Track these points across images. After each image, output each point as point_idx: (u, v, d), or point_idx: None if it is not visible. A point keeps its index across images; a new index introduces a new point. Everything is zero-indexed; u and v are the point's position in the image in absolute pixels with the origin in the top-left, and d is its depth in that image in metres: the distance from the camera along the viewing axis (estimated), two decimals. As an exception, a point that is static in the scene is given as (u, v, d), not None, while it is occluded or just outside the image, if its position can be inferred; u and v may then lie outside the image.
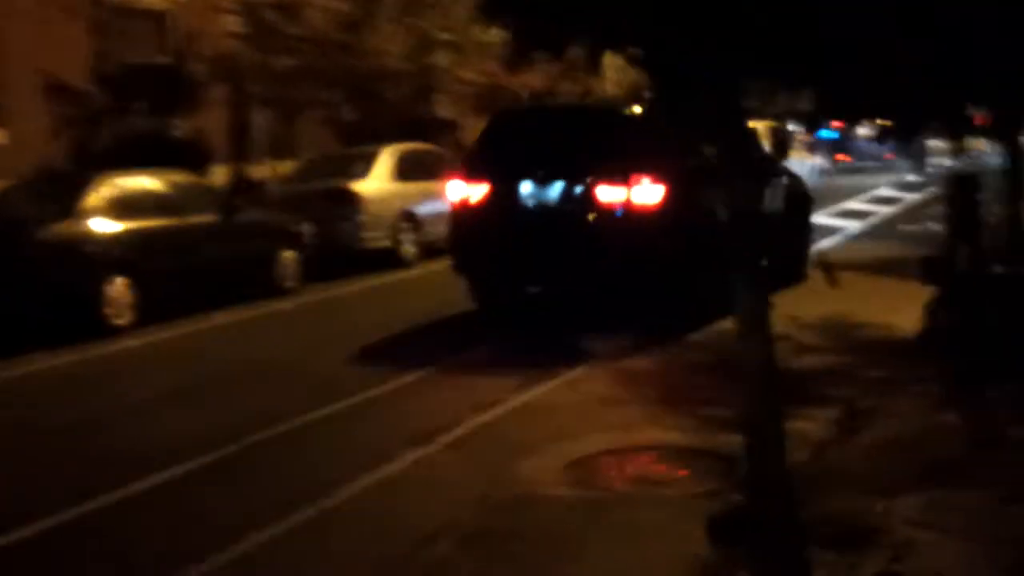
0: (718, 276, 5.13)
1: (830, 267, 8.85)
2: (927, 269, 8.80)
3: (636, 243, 10.80)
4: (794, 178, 14.43)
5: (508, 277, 11.93)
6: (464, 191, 11.84)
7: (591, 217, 11.15)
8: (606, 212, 11.10)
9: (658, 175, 11.05)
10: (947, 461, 6.13)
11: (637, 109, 12.36)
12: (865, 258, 14.80)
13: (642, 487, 6.47)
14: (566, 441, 7.31)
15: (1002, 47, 5.32)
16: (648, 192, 11.04)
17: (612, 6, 4.85)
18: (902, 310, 9.69)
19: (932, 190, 21.37)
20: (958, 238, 8.17)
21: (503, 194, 11.54)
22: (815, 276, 11.87)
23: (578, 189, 11.23)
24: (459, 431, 7.78)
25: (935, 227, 10.72)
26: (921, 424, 6.90)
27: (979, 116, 9.21)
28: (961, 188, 8.39)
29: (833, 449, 6.72)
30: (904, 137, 5.67)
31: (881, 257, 14.83)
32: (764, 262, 4.75)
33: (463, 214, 11.89)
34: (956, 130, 9.63)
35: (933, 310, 8.58)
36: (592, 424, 7.72)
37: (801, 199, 14.36)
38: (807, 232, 14.49)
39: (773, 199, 13.09)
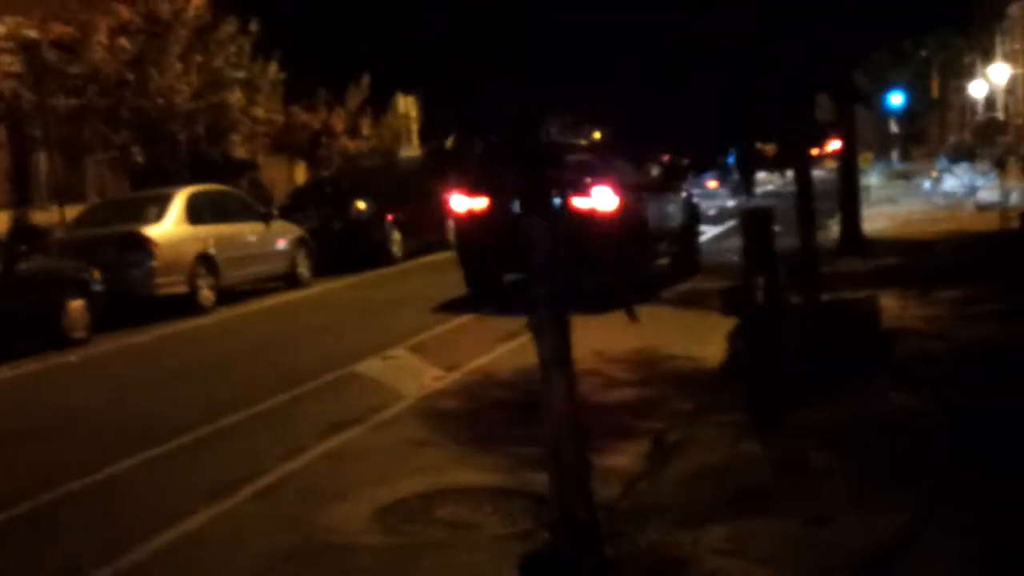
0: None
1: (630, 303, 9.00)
2: (727, 301, 8.96)
3: (595, 241, 13.12)
4: (686, 196, 17.95)
5: (496, 269, 14.79)
6: (466, 202, 15.04)
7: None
8: (573, 216, 13.48)
9: (613, 189, 14.04)
10: (753, 489, 6.21)
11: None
12: (669, 292, 14.96)
13: (453, 531, 6.33)
14: (376, 486, 7.12)
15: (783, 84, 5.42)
16: (605, 201, 14.02)
17: (386, 48, 4.74)
18: (706, 342, 9.85)
19: (731, 224, 22.02)
20: (755, 270, 8.33)
21: (496, 204, 14.36)
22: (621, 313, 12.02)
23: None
24: (266, 480, 7.50)
25: (735, 259, 10.96)
26: (727, 453, 6.98)
27: (769, 149, 9.45)
28: (755, 222, 8.57)
29: (643, 482, 6.73)
30: (698, 172, 5.82)
31: (685, 290, 15.06)
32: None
33: (465, 220, 15.26)
34: (746, 164, 9.88)
35: (735, 341, 8.74)
36: (402, 468, 7.54)
37: (693, 211, 18.07)
38: (696, 235, 18.29)
39: (675, 212, 16.74)
